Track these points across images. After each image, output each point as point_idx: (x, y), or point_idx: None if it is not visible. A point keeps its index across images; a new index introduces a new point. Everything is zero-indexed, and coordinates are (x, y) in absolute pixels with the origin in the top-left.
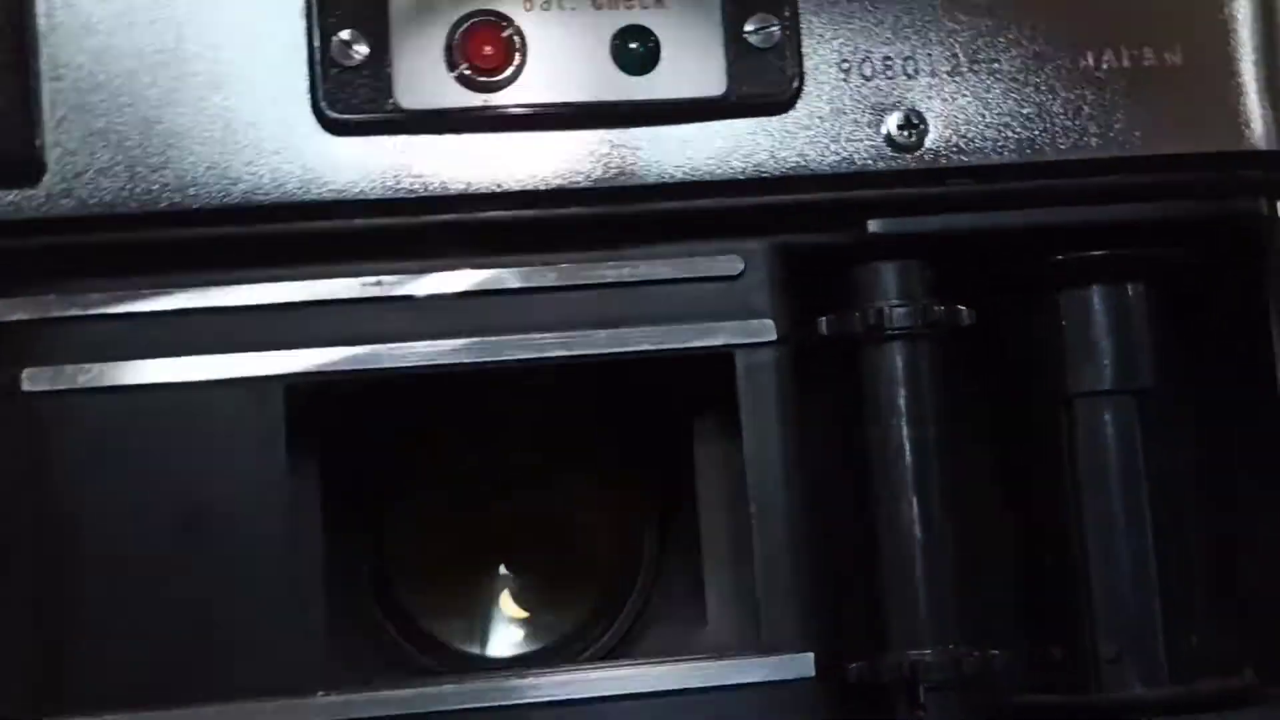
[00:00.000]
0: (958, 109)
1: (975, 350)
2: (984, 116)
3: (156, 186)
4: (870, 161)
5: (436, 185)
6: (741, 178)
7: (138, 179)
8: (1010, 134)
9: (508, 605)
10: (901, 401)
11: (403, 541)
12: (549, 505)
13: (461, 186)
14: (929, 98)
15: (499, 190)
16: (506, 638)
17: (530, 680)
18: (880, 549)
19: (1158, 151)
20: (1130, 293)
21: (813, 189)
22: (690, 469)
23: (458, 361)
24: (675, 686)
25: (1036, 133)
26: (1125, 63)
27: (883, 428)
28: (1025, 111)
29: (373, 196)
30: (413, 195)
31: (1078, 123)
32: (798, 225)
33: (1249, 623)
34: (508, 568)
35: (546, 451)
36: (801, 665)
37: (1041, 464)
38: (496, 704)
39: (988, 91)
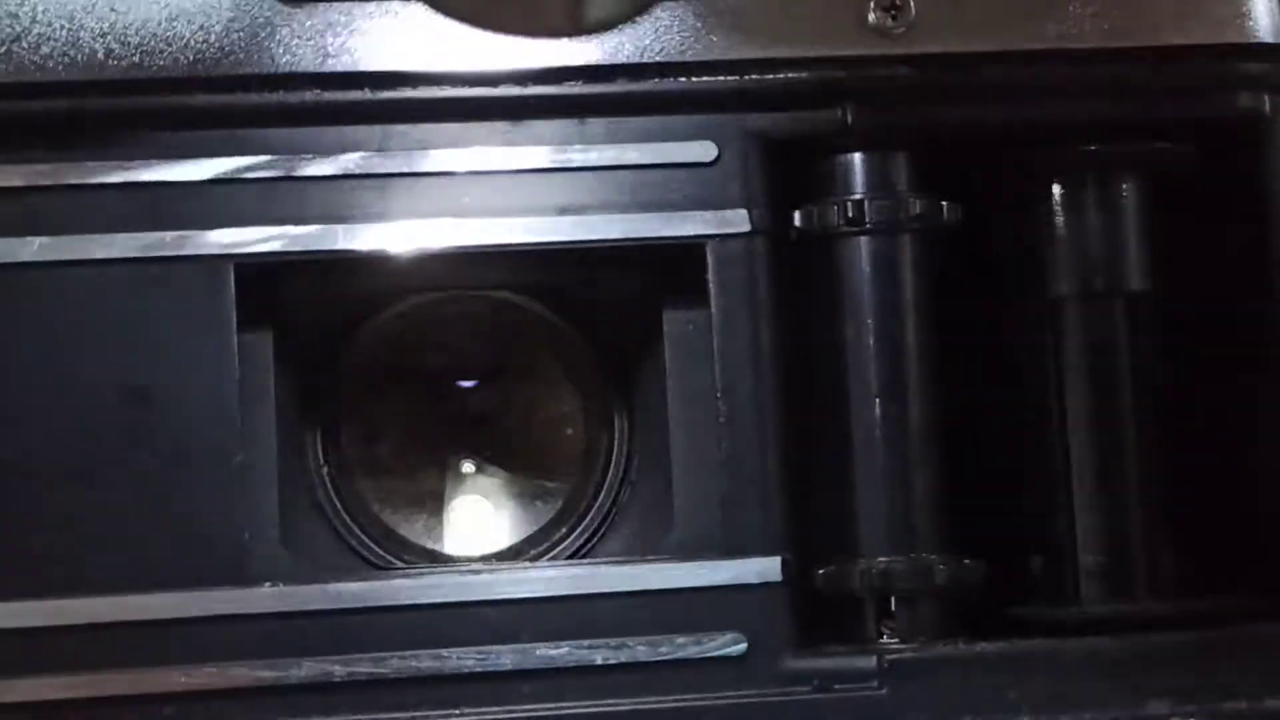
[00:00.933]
0: None
1: (961, 250)
2: (970, 1)
3: (101, 53)
4: (850, 45)
5: (396, 61)
6: (715, 58)
7: (80, 45)
8: (998, 21)
9: (470, 502)
10: (877, 298)
11: (361, 433)
12: (513, 400)
13: (422, 63)
14: None
15: (462, 68)
16: (468, 535)
17: (487, 577)
18: (853, 452)
19: (1153, 42)
20: (1122, 191)
21: (789, 71)
22: (660, 364)
23: (415, 245)
24: (637, 588)
25: (1026, 20)
26: None
27: (858, 325)
28: None
29: (328, 70)
30: (371, 70)
31: (1070, 10)
32: (774, 111)
33: (1243, 538)
34: (470, 463)
35: (511, 344)
36: (767, 569)
37: (1027, 369)
38: (451, 600)
39: None
